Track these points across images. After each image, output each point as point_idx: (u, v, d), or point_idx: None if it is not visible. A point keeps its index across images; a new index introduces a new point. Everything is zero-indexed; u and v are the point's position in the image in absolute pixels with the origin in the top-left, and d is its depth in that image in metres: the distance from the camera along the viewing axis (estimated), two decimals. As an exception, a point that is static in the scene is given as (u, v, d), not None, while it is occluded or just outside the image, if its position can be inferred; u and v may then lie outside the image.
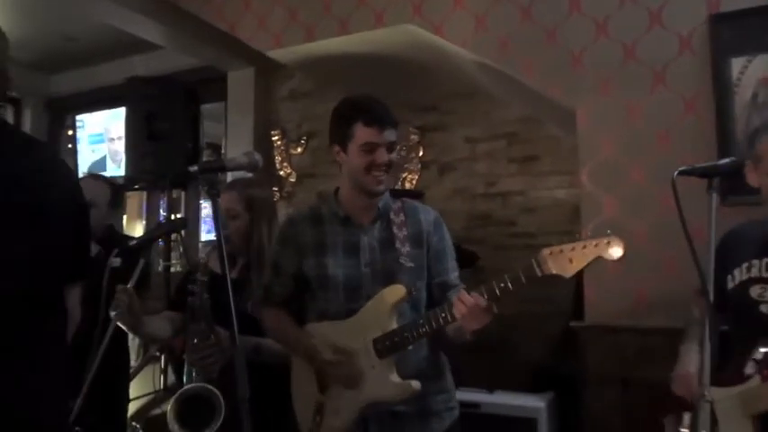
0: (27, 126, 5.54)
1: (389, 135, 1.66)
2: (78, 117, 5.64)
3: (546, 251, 1.35)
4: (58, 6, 4.07)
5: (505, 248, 3.88)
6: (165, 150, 4.07)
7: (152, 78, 4.54)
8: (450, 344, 1.70)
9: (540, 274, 1.35)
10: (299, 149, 4.67)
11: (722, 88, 2.31)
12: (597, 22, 2.57)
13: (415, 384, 1.57)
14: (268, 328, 1.84)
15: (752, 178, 1.66)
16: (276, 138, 4.76)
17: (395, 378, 1.59)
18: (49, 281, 1.38)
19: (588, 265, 1.30)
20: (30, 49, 5.06)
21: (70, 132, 5.74)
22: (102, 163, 5.50)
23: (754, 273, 1.66)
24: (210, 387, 1.73)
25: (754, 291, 1.64)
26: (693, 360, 1.73)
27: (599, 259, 1.29)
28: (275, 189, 4.68)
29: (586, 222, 2.59)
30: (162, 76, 4.76)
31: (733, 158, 1.37)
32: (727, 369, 1.65)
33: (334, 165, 1.77)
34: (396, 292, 1.61)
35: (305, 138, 4.66)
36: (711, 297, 1.36)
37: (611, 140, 2.54)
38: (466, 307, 1.44)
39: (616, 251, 1.28)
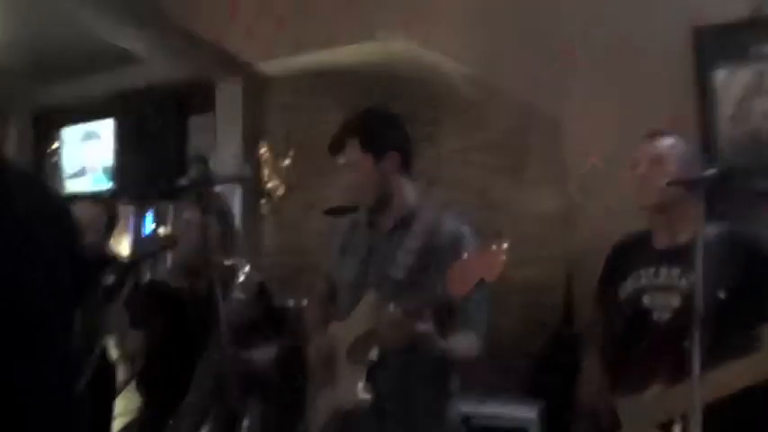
0: (13, 141, 5.49)
1: (339, 159, 1.73)
2: (65, 131, 5.61)
3: (455, 265, 1.26)
4: (44, 20, 4.06)
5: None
6: (152, 162, 4.05)
7: (139, 91, 4.52)
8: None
9: (441, 292, 1.28)
10: (288, 161, 4.66)
11: (706, 100, 2.34)
12: (584, 32, 2.60)
13: (363, 397, 1.55)
14: (306, 321, 1.94)
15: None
16: (264, 150, 4.75)
17: (355, 386, 1.57)
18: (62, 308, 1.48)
19: (475, 287, 1.22)
20: (15, 63, 5.03)
21: (55, 146, 5.70)
22: (81, 173, 5.47)
23: (644, 282, 1.76)
24: None
25: (646, 299, 1.74)
26: (596, 372, 1.82)
27: (482, 281, 1.21)
28: (263, 201, 4.66)
29: (575, 232, 2.61)
30: (149, 88, 4.74)
31: (717, 169, 1.39)
32: (626, 376, 1.72)
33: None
34: (368, 300, 1.62)
35: (293, 149, 4.64)
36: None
37: (597, 150, 2.57)
38: (384, 320, 1.40)
39: (493, 272, 1.20)
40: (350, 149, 1.69)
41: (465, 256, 1.26)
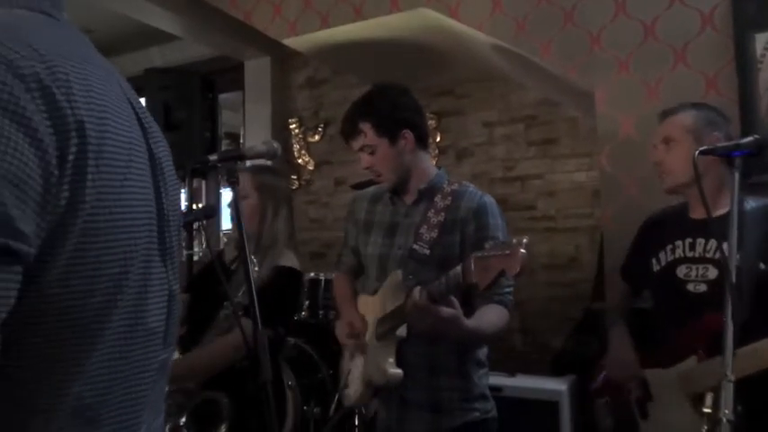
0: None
1: (354, 145, 1.72)
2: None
3: (474, 256, 1.26)
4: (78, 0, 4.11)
5: (525, 233, 3.86)
6: (183, 140, 4.10)
7: (169, 69, 4.57)
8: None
9: (461, 281, 1.27)
10: (317, 137, 4.68)
11: (745, 65, 2.26)
12: (616, 0, 2.53)
13: (394, 373, 1.57)
14: (334, 292, 1.96)
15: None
16: (294, 126, 4.78)
17: (385, 362, 1.59)
18: None
19: (496, 278, 1.22)
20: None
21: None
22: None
23: (679, 253, 1.72)
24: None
25: (681, 271, 1.70)
26: (627, 344, 1.79)
27: (503, 273, 1.21)
28: (294, 177, 4.70)
29: (607, 204, 2.57)
30: (179, 66, 4.79)
31: (756, 136, 1.34)
32: (658, 348, 1.70)
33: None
34: (394, 277, 1.63)
35: (322, 125, 4.67)
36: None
37: (630, 121, 2.51)
38: (409, 306, 1.40)
39: (514, 267, 1.19)
40: (364, 134, 1.68)
41: (486, 247, 1.26)
